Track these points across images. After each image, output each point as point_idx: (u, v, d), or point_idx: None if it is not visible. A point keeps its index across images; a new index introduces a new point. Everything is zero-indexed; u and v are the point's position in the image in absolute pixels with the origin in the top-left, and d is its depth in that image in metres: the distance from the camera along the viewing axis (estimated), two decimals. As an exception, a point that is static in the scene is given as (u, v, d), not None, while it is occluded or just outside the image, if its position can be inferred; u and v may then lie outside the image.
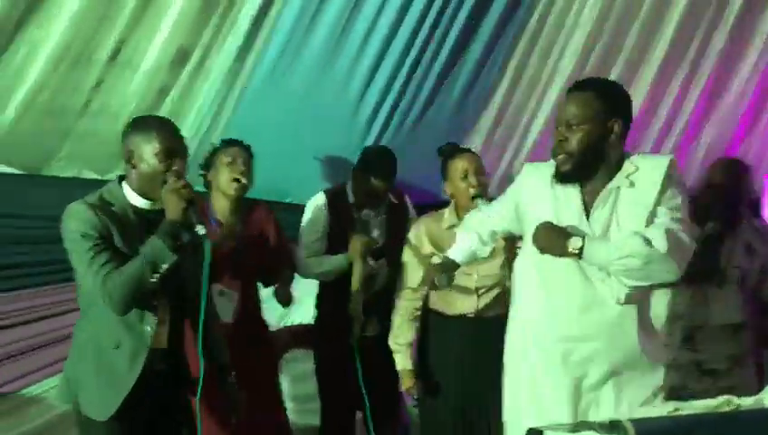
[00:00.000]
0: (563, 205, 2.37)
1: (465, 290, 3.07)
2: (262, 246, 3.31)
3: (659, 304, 2.58)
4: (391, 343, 3.20)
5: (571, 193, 2.36)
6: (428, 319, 3.21)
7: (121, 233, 2.34)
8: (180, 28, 3.26)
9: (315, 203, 3.48)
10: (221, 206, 3.26)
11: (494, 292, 3.09)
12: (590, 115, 2.29)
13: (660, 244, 2.19)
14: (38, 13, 2.93)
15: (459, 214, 3.11)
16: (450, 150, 3.22)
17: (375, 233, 3.43)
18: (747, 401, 1.85)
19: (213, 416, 2.74)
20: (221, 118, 3.73)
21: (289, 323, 4.13)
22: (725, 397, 1.86)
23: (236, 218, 3.26)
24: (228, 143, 3.32)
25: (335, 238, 3.41)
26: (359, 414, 3.43)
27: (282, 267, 3.40)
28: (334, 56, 3.65)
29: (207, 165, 3.32)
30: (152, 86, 3.42)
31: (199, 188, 3.17)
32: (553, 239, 2.29)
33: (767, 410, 1.84)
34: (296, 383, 3.88)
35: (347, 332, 3.30)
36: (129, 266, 2.27)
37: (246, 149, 3.30)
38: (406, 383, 3.18)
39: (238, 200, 3.27)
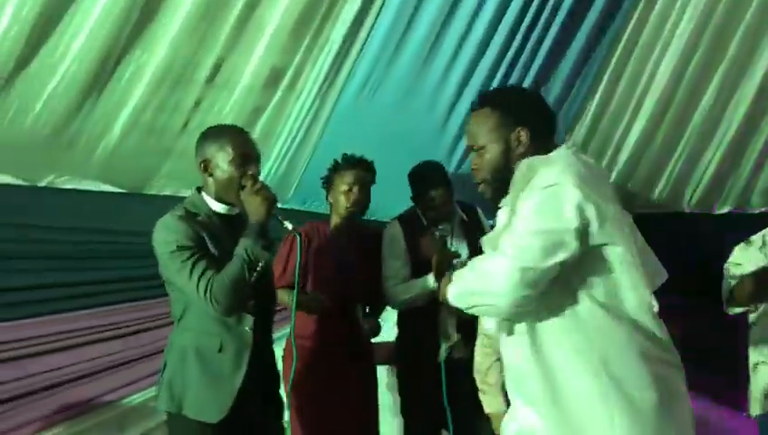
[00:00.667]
0: None
1: None
2: (371, 267, 3.36)
3: None
4: (479, 382, 2.93)
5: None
6: None
7: (212, 239, 2.44)
8: (274, 48, 3.35)
9: (390, 231, 3.47)
10: (335, 222, 3.35)
11: None
12: (489, 134, 2.04)
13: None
14: (142, 37, 3.04)
15: None
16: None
17: (454, 249, 3.38)
18: None
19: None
20: (311, 136, 3.81)
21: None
22: None
23: (348, 237, 3.33)
24: (347, 163, 3.35)
25: (417, 263, 3.37)
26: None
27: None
28: (422, 74, 3.69)
29: (328, 181, 3.38)
30: (247, 105, 3.52)
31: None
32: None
33: None
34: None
35: (431, 351, 3.27)
36: (229, 269, 2.35)
37: (365, 168, 3.34)
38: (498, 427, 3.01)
39: (351, 220, 3.34)
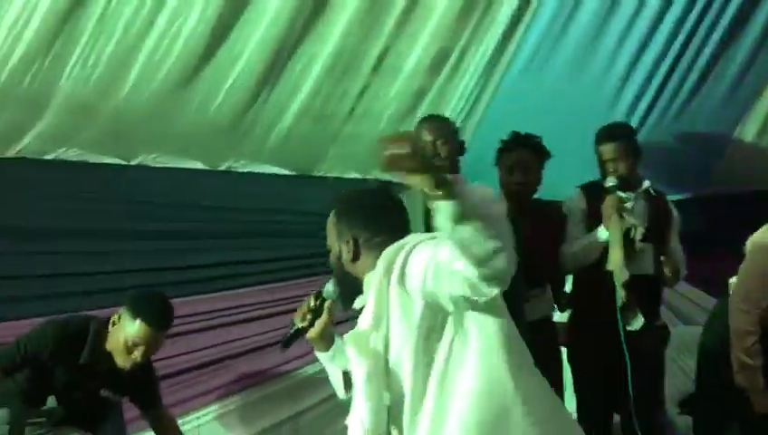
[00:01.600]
0: None
1: None
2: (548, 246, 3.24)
3: None
4: (743, 357, 2.84)
5: None
6: None
7: None
8: (441, 31, 3.35)
9: (569, 201, 3.39)
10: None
11: None
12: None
13: None
14: (313, 30, 3.15)
15: None
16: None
17: (635, 218, 3.21)
18: None
19: None
20: (474, 116, 3.80)
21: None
22: None
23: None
24: (507, 143, 3.30)
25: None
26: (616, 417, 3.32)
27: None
28: (590, 52, 3.57)
29: (496, 160, 3.35)
30: (411, 89, 3.56)
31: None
32: None
33: None
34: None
35: (606, 326, 3.12)
36: None
37: (529, 149, 3.26)
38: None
39: (521, 201, 3.22)
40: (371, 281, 1.75)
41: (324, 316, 1.94)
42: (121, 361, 2.69)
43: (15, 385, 2.71)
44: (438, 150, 2.73)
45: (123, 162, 3.48)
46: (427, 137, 2.76)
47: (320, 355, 1.99)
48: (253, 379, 3.64)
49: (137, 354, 2.67)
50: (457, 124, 3.73)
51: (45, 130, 3.22)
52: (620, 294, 3.07)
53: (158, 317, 2.70)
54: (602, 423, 3.29)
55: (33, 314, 3.06)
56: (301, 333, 1.98)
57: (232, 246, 3.68)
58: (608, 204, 3.11)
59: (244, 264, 3.65)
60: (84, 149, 3.39)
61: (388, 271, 1.69)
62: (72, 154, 3.38)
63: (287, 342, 2.02)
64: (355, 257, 1.86)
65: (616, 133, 3.28)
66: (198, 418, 3.52)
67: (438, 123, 2.87)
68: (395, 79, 3.49)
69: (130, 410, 3.08)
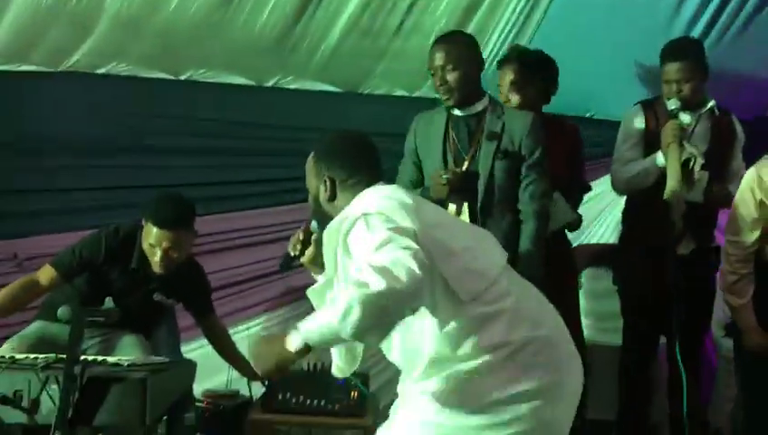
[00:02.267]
0: None
1: None
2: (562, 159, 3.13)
3: None
4: (726, 295, 2.90)
5: None
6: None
7: None
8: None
9: (629, 112, 3.25)
10: None
11: None
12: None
13: None
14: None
15: None
16: None
17: (696, 142, 3.08)
18: None
19: None
20: (526, 31, 3.68)
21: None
22: None
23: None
24: (499, 63, 3.21)
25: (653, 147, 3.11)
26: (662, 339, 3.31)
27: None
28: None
29: None
30: (461, 4, 3.45)
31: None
32: None
33: None
34: (597, 300, 3.82)
35: (657, 248, 3.06)
36: None
37: (519, 65, 3.11)
38: (754, 340, 2.84)
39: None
40: (326, 239, 1.85)
41: (312, 247, 2.04)
42: (152, 264, 2.77)
43: (74, 289, 2.83)
44: (447, 76, 2.69)
45: (172, 77, 3.50)
46: (437, 62, 2.72)
47: (316, 277, 2.08)
48: (294, 295, 3.69)
49: (157, 257, 2.73)
50: (508, 41, 3.66)
51: (94, 45, 3.25)
52: (676, 223, 3.00)
53: (164, 218, 2.71)
54: (649, 346, 3.29)
55: (86, 226, 3.15)
56: (293, 260, 2.10)
57: (275, 164, 3.70)
58: (667, 131, 2.97)
59: (285, 181, 3.66)
60: (134, 65, 3.41)
61: (336, 236, 1.80)
62: (121, 69, 3.42)
63: (282, 266, 2.17)
64: (332, 197, 1.95)
65: (682, 51, 3.10)
66: (248, 328, 3.64)
67: (448, 46, 2.75)
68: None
69: (185, 318, 3.20)
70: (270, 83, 3.66)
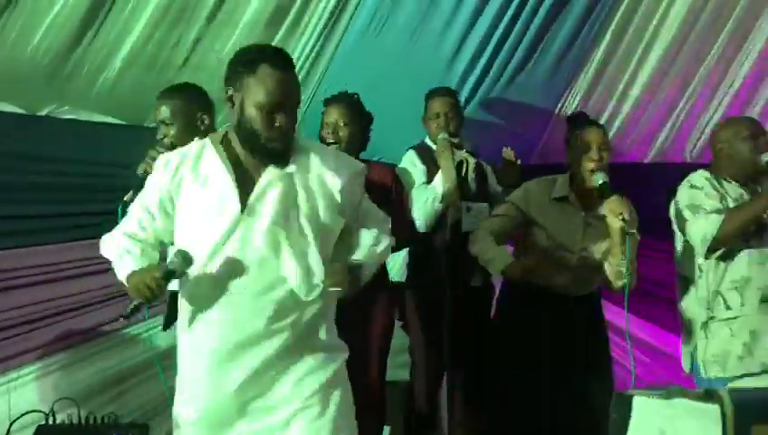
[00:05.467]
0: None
1: None
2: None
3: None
4: (481, 258, 3.04)
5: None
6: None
7: None
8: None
9: (408, 158, 3.48)
10: None
11: None
12: None
13: None
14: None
15: (573, 186, 3.07)
16: (579, 121, 3.16)
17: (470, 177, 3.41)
18: None
19: None
20: (314, 75, 3.78)
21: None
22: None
23: None
24: (326, 102, 3.32)
25: None
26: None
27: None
28: (428, 16, 3.64)
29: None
30: (249, 43, 3.47)
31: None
32: None
33: None
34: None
35: (441, 283, 3.26)
36: None
37: (343, 104, 3.25)
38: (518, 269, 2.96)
39: None
40: None
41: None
42: None
43: None
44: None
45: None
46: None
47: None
48: (79, 336, 3.50)
49: None
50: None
51: None
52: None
53: None
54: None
55: None
56: (139, 309, 1.99)
57: (54, 199, 3.48)
58: (439, 144, 3.34)
59: (63, 217, 3.47)
60: None
61: None
62: None
63: (127, 315, 2.01)
64: None
65: (448, 90, 3.50)
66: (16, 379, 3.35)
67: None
68: (233, 31, 3.40)
69: None
70: (43, 112, 3.44)
